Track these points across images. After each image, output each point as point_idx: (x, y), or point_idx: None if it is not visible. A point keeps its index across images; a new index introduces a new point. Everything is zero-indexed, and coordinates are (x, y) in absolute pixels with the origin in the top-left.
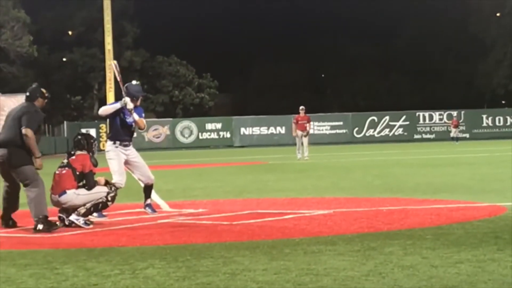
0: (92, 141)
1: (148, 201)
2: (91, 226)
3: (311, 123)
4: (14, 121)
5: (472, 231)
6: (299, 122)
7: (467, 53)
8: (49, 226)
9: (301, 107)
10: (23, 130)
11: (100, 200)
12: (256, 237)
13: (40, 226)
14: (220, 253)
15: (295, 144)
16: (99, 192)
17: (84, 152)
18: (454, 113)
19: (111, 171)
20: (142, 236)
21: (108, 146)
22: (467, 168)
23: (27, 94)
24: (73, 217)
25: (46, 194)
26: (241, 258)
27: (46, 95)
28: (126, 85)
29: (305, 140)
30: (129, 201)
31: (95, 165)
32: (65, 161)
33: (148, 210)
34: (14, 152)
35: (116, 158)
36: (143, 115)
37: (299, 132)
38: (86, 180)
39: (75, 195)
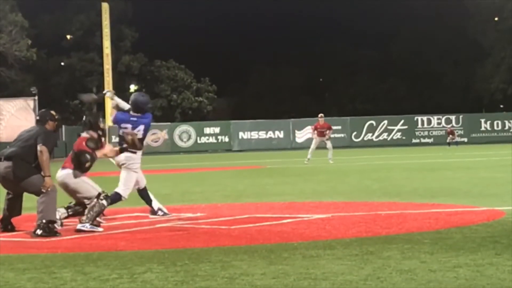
0: (98, 120)
1: (156, 204)
2: (100, 230)
3: (331, 130)
4: (29, 140)
5: (471, 235)
6: (318, 129)
7: (465, 57)
8: (49, 233)
9: (320, 115)
10: (39, 147)
11: (93, 203)
12: (255, 241)
13: (39, 232)
14: (218, 258)
15: (293, 149)
16: (90, 188)
17: (87, 134)
18: (452, 119)
19: (125, 180)
20: (140, 240)
21: (137, 155)
22: (465, 172)
23: (38, 118)
24: (79, 227)
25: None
26: (239, 262)
27: (56, 117)
28: (133, 97)
29: (328, 143)
30: (127, 206)
31: (92, 147)
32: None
33: (160, 213)
34: (19, 164)
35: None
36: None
37: (319, 138)
38: (74, 159)
39: (69, 175)
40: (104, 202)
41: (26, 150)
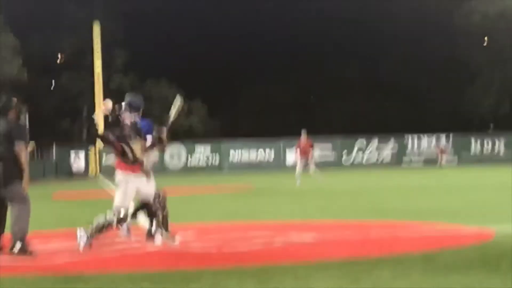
0: None
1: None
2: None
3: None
4: (7, 136)
5: (462, 256)
6: (302, 148)
7: (454, 77)
8: (25, 251)
9: (302, 130)
10: (18, 145)
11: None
12: (245, 262)
13: (18, 245)
14: (209, 279)
15: (284, 168)
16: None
17: None
18: (443, 138)
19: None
20: (131, 261)
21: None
22: (456, 192)
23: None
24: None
25: None
26: (230, 282)
27: (18, 104)
28: (128, 100)
29: (312, 166)
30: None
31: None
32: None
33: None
34: (7, 169)
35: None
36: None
37: (303, 160)
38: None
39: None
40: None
41: (11, 148)
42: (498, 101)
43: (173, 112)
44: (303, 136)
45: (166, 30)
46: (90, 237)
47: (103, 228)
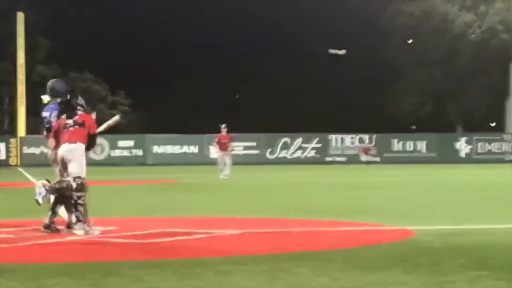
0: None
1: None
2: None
3: (232, 142)
4: None
5: (381, 254)
6: (221, 141)
7: (379, 78)
8: None
9: (223, 125)
10: None
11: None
12: (167, 256)
13: None
14: (129, 271)
15: (208, 164)
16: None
17: (94, 116)
18: (366, 138)
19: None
20: (49, 252)
21: None
22: (378, 191)
23: None
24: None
25: None
26: (150, 277)
27: None
28: (51, 85)
29: (228, 160)
30: (37, 217)
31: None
32: (70, 121)
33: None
34: None
35: None
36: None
37: (222, 152)
38: (92, 142)
39: (81, 153)
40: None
41: None
42: (421, 101)
43: (105, 125)
44: (223, 130)
45: (92, 22)
46: (49, 192)
47: (63, 188)
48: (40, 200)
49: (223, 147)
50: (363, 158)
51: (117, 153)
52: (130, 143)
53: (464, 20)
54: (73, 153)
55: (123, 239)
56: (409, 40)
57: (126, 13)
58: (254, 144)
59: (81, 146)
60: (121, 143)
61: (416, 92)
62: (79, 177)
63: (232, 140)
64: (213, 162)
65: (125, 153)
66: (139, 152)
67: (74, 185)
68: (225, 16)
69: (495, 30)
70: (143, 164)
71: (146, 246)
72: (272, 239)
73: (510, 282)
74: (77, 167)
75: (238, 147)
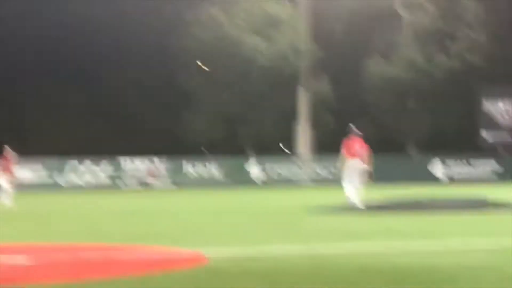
0: None
1: None
2: None
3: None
4: None
5: (174, 279)
6: (4, 164)
7: (171, 101)
8: None
9: (5, 146)
10: None
11: None
12: None
13: None
14: None
15: None
16: None
17: None
18: (157, 162)
19: None
20: None
21: None
22: (170, 215)
23: None
24: None
25: None
26: None
27: None
28: None
29: (4, 183)
30: None
31: None
32: None
33: None
34: None
35: None
36: None
37: (7, 176)
38: None
39: None
40: None
41: None
42: (213, 124)
43: None
44: (7, 152)
45: None
46: None
47: None
48: None
49: (7, 171)
50: (149, 181)
51: None
52: None
53: (254, 43)
54: None
55: None
56: (199, 63)
57: None
58: (40, 166)
59: None
60: None
61: (207, 115)
62: None
63: (13, 163)
64: None
65: None
66: None
67: None
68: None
69: (285, 55)
70: None
71: None
72: (63, 266)
73: None
74: None
75: (26, 171)
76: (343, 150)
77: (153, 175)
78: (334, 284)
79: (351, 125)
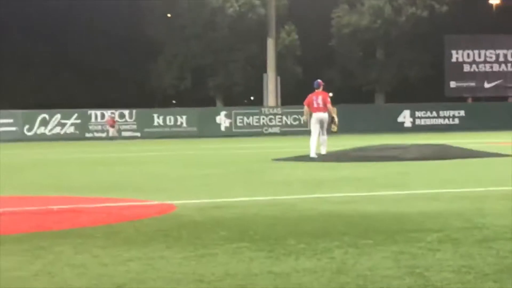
0: None
1: None
2: None
3: None
4: None
5: (142, 229)
6: None
7: (139, 53)
8: None
9: None
10: None
11: None
12: None
13: None
14: None
15: None
16: None
17: None
18: (109, 112)
19: None
20: None
21: None
22: (138, 166)
23: None
24: None
25: None
26: None
27: None
28: None
29: None
30: None
31: None
32: None
33: None
34: None
35: None
36: None
37: None
38: None
39: None
40: None
41: None
42: (181, 76)
43: None
44: None
45: None
46: None
47: None
48: None
49: None
50: (110, 132)
51: None
52: None
53: None
54: None
55: None
56: (168, 14)
57: None
58: (11, 121)
59: None
60: None
61: (176, 67)
62: None
63: None
64: None
65: None
66: None
67: None
68: None
69: (252, 4)
70: None
71: None
72: (32, 218)
73: (269, 252)
74: None
75: None
76: (306, 103)
77: (112, 125)
78: (300, 229)
79: (318, 80)
